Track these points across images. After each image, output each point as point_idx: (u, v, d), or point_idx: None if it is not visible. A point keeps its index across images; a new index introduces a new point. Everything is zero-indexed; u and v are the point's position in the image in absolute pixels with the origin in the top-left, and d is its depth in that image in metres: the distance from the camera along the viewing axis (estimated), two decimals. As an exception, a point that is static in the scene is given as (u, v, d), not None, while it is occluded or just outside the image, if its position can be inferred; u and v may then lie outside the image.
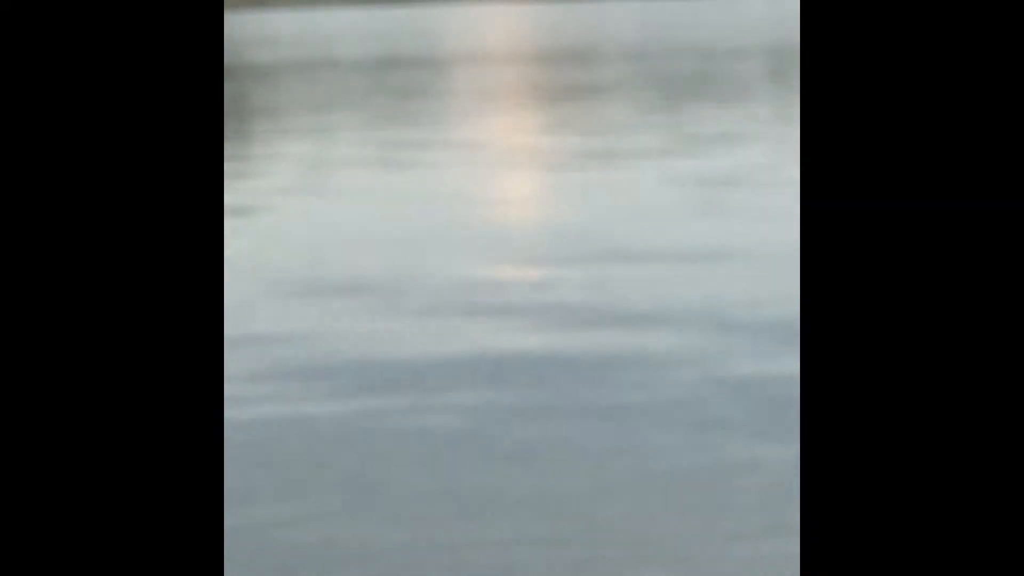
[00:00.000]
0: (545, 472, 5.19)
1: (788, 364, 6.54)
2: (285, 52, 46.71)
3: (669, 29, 53.56)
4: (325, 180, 13.64)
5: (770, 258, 9.08)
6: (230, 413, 6.06)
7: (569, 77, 28.00)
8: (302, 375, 6.66)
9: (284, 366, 6.85)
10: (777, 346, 6.88)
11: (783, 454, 5.28)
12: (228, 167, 14.91)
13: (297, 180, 13.74)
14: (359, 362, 6.86)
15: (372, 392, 6.30)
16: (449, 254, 9.58)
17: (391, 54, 42.13)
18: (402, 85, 27.63)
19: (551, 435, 5.60)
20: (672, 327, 7.34)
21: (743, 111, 19.08)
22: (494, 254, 9.51)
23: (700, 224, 10.41)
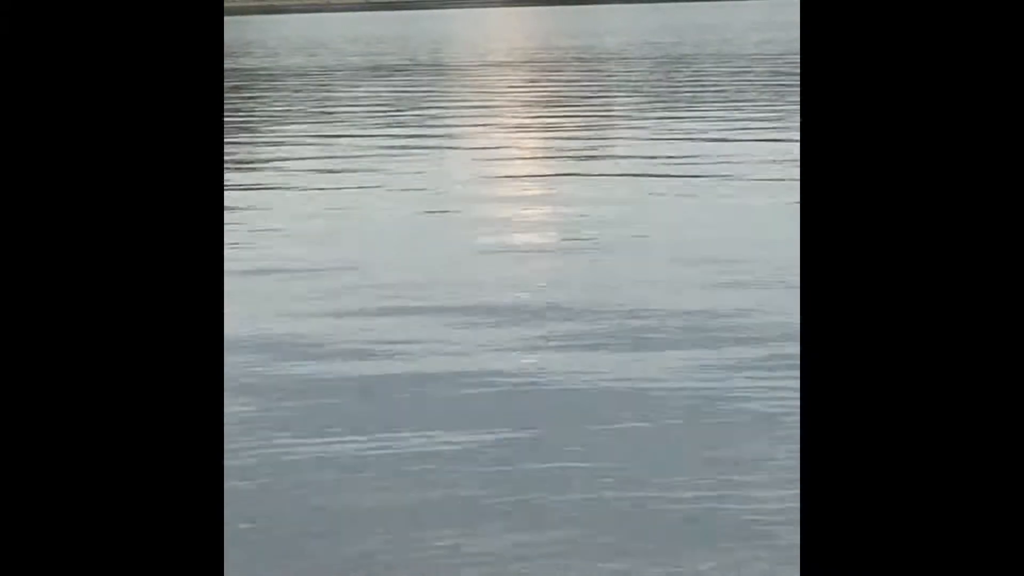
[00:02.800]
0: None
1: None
2: (292, 57, 46.74)
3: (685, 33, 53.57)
4: (332, 184, 13.65)
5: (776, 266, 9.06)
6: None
7: (572, 80, 27.98)
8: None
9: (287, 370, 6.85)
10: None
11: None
12: (234, 171, 14.92)
13: (303, 184, 13.74)
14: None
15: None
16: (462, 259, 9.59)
17: (403, 58, 42.17)
18: (412, 88, 27.63)
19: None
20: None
21: (753, 115, 19.07)
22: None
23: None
